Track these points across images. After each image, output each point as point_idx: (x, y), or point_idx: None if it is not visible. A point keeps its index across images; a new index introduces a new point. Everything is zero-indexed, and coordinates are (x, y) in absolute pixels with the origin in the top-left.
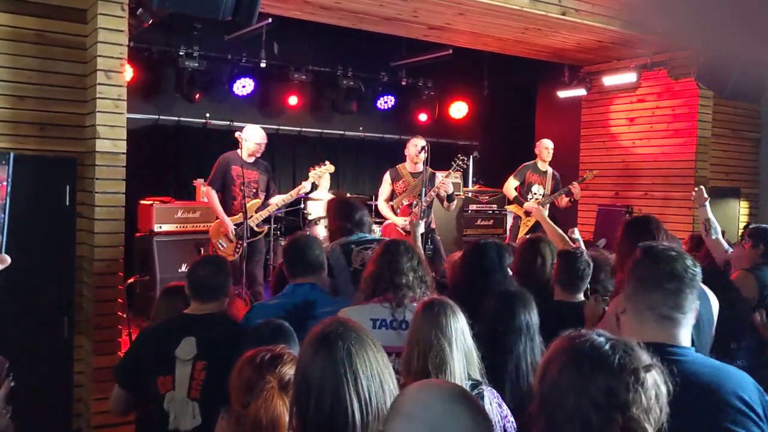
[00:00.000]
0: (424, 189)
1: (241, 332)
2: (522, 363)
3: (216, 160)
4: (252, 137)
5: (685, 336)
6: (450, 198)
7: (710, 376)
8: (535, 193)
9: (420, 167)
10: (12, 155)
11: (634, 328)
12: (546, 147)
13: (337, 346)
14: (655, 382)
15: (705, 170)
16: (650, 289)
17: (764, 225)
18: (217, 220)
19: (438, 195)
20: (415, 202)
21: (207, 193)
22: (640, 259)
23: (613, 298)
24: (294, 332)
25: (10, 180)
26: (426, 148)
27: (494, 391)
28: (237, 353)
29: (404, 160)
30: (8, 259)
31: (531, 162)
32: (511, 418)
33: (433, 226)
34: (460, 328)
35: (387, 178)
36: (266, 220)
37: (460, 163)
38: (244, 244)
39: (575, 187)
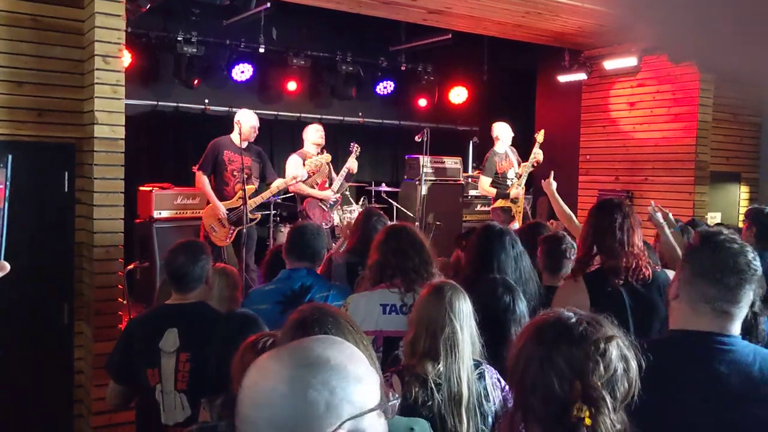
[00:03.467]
0: (346, 170)
1: (223, 321)
2: None
3: (258, 148)
4: (247, 120)
5: (736, 326)
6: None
7: (759, 363)
8: (510, 178)
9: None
10: (10, 157)
11: (687, 316)
12: (510, 133)
13: (314, 333)
14: (622, 356)
15: (705, 155)
16: (710, 282)
17: (759, 205)
18: (209, 204)
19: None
20: (328, 182)
21: (197, 178)
22: (699, 248)
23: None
24: (260, 318)
25: (8, 183)
26: None
27: (492, 368)
28: (219, 343)
29: (303, 145)
30: (7, 266)
31: (490, 152)
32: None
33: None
34: (467, 311)
35: (298, 161)
36: (261, 207)
37: (356, 151)
38: (244, 230)
39: (539, 154)
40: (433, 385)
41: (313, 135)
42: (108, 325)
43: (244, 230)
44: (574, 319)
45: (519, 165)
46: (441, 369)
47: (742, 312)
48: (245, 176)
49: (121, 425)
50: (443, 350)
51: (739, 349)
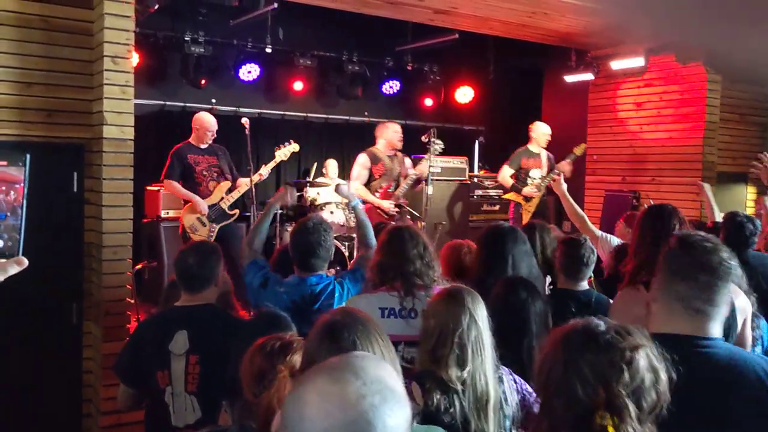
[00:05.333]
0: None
1: (232, 323)
2: (534, 351)
3: (220, 147)
4: (204, 124)
5: (715, 328)
6: (426, 181)
7: (736, 364)
8: (534, 178)
9: (392, 151)
10: (29, 156)
11: (663, 318)
12: (544, 132)
13: (343, 337)
14: (651, 367)
15: (712, 155)
16: (682, 281)
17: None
18: (187, 204)
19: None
20: (393, 186)
21: (167, 186)
22: (674, 249)
23: (621, 287)
24: (290, 319)
25: (26, 182)
26: None
27: (506, 369)
28: (228, 345)
29: (375, 143)
30: (26, 262)
31: (523, 147)
32: (529, 387)
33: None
34: (486, 314)
35: (365, 162)
36: (236, 203)
37: (435, 146)
38: (271, 226)
39: (564, 166)
40: (457, 390)
41: (393, 135)
42: (116, 325)
43: (268, 226)
44: (602, 327)
45: (548, 171)
46: (468, 372)
47: (718, 313)
48: (214, 174)
49: (129, 425)
50: (471, 352)
51: (718, 351)
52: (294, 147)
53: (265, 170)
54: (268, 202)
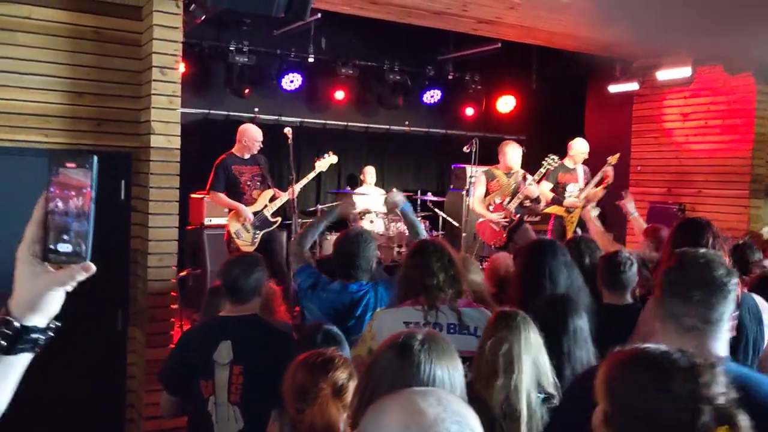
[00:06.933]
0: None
1: (276, 335)
2: (578, 368)
3: (260, 155)
4: (252, 136)
5: (718, 347)
6: (536, 200)
7: (744, 384)
8: (571, 192)
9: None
10: (96, 159)
11: (660, 336)
12: (582, 151)
13: (412, 352)
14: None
15: (761, 167)
16: (673, 297)
17: None
18: (232, 211)
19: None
20: (507, 200)
21: (213, 198)
22: (671, 266)
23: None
24: (344, 338)
25: (94, 186)
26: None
27: None
28: (271, 357)
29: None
30: (93, 268)
31: (559, 163)
32: None
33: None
34: (533, 341)
35: (482, 179)
36: (278, 211)
37: (548, 163)
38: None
39: (608, 173)
40: (500, 418)
41: (510, 158)
42: (161, 331)
43: (299, 229)
44: (673, 351)
45: (585, 183)
46: (499, 386)
47: (716, 330)
48: (257, 183)
49: (170, 431)
50: (501, 366)
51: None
52: (333, 159)
53: (304, 181)
54: (333, 206)
